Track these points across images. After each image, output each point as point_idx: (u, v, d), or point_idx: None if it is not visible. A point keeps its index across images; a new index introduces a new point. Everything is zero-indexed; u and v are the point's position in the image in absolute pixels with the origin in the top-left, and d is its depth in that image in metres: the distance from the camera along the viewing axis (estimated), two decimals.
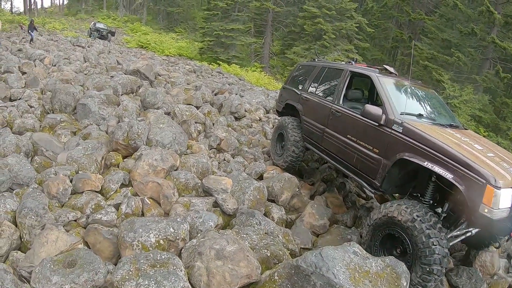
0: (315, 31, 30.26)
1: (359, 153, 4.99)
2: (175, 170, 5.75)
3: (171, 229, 3.89)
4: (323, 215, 5.64)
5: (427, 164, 3.95)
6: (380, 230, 4.22)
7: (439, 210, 4.26)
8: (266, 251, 4.01)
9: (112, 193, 5.15)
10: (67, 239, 3.81)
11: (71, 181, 5.04)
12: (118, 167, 5.90)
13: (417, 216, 3.82)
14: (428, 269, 3.69)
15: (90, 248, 3.95)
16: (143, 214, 4.71)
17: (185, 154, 6.66)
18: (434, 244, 3.67)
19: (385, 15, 37.52)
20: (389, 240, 4.21)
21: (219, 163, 7.29)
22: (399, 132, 4.40)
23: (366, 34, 34.29)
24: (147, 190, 5.09)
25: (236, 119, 10.50)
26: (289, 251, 4.44)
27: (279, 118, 7.57)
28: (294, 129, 6.75)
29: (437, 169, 3.84)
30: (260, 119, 11.29)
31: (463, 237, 4.40)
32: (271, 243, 4.18)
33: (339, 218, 6.00)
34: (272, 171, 6.80)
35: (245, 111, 11.19)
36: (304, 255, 3.34)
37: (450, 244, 4.26)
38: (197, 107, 9.84)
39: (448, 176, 3.73)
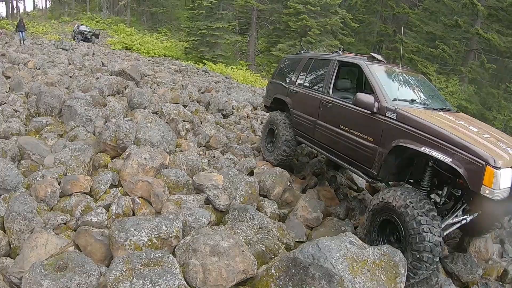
0: (300, 27, 30.26)
1: (354, 143, 4.93)
2: (165, 169, 5.66)
3: (164, 227, 3.82)
4: (316, 208, 5.61)
5: (424, 149, 3.89)
6: (378, 216, 4.23)
7: (437, 197, 4.27)
8: (261, 245, 3.96)
9: (101, 194, 5.04)
10: (57, 242, 3.70)
11: (59, 184, 4.92)
12: (106, 167, 5.78)
13: (410, 202, 3.80)
14: (418, 256, 3.67)
15: (81, 251, 3.85)
16: (134, 214, 4.62)
17: (174, 152, 6.57)
18: (425, 231, 3.64)
19: (369, 10, 37.65)
20: (388, 226, 4.21)
21: (208, 160, 7.22)
22: (393, 119, 4.35)
23: (351, 29, 34.42)
24: (137, 190, 5.00)
25: (224, 116, 10.44)
26: (284, 245, 4.40)
27: (269, 113, 7.48)
28: (285, 128, 6.62)
29: (435, 153, 3.79)
30: (248, 116, 11.25)
31: (458, 224, 4.40)
32: (265, 237, 4.13)
33: (332, 211, 5.98)
34: (262, 167, 6.75)
35: (233, 108, 11.14)
36: (301, 247, 3.30)
37: (447, 232, 4.27)
38: (185, 106, 9.75)
39: (447, 159, 3.68)
